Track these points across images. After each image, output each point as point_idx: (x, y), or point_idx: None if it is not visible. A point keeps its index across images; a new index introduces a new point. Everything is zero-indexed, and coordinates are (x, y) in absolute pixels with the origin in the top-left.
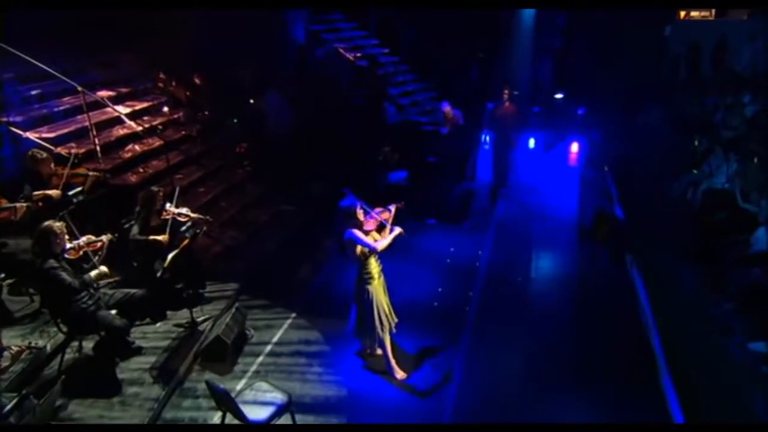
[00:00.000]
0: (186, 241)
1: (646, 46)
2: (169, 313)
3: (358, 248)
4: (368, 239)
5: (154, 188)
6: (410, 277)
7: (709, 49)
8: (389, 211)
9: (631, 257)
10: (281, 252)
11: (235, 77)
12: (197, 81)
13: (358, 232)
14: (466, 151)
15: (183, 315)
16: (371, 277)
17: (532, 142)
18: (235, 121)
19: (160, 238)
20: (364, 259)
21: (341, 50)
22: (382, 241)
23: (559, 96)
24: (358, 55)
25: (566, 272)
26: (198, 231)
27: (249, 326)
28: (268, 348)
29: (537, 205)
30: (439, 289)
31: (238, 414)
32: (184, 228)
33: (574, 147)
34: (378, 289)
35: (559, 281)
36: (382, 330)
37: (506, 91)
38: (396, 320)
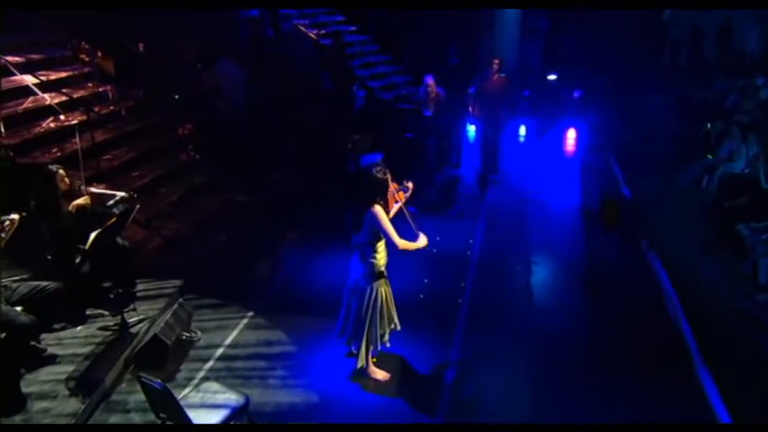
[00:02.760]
0: (113, 219)
1: (643, 30)
2: (92, 315)
3: (389, 228)
4: (393, 230)
5: (52, 166)
6: (390, 268)
7: (712, 32)
8: (405, 191)
9: (646, 241)
10: (234, 246)
11: (177, 50)
12: (132, 51)
13: (382, 214)
14: (449, 130)
15: (111, 317)
16: (378, 272)
17: (523, 130)
18: (177, 97)
19: (80, 201)
20: (375, 248)
21: (302, 27)
22: (406, 242)
23: (551, 77)
24: (322, 32)
25: (573, 258)
26: (130, 207)
27: (196, 328)
28: (220, 351)
29: (532, 191)
30: (426, 281)
31: (182, 418)
32: (111, 202)
33: (572, 132)
34: (384, 288)
35: (566, 268)
36: (371, 335)
37: (496, 62)
38: (397, 327)
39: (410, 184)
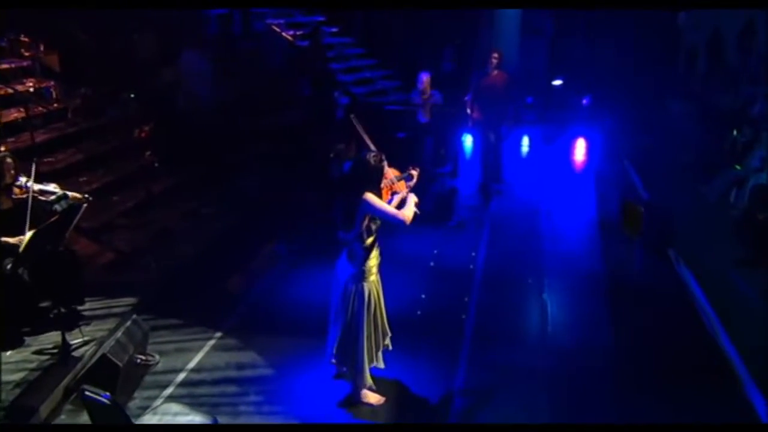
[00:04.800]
0: (55, 218)
1: (656, 33)
2: (27, 336)
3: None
4: (392, 209)
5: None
6: (385, 285)
7: (732, 36)
8: (409, 179)
9: (673, 251)
10: (199, 261)
11: (132, 44)
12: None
13: (375, 199)
14: (445, 133)
15: (50, 339)
16: (368, 271)
17: (526, 140)
18: (132, 96)
19: (12, 241)
20: (364, 244)
21: (276, 27)
22: (405, 210)
23: (557, 82)
24: (299, 33)
25: (592, 269)
26: (75, 205)
27: (152, 351)
28: (182, 376)
29: (542, 201)
30: (423, 296)
31: None
32: (52, 198)
33: (581, 141)
34: (375, 289)
35: (584, 279)
36: (366, 346)
37: (495, 55)
38: (389, 335)
39: (415, 172)
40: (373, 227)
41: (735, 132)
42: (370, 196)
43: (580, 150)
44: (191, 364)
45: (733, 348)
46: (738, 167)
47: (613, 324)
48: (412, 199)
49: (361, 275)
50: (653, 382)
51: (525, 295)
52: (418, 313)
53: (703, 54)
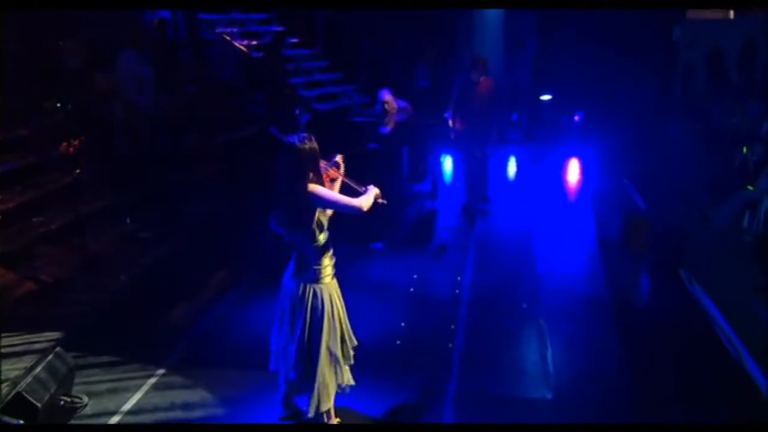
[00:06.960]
0: None
1: (650, 50)
2: None
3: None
4: (344, 197)
5: None
6: (357, 312)
7: (734, 52)
8: (337, 166)
9: (686, 272)
10: (136, 291)
11: (59, 51)
12: None
13: (323, 190)
14: (422, 141)
15: None
16: (323, 271)
17: (513, 161)
18: (59, 105)
19: None
20: (316, 242)
21: (227, 36)
22: (363, 197)
23: (546, 98)
24: (254, 44)
25: (594, 292)
26: None
27: (80, 392)
28: (115, 419)
29: (532, 221)
30: (402, 324)
31: None
32: None
33: (574, 160)
34: (333, 294)
35: (586, 302)
36: (326, 360)
37: (481, 61)
38: (355, 344)
39: (339, 158)
40: (324, 221)
41: (745, 150)
42: (317, 188)
43: (573, 169)
44: (127, 406)
45: (762, 375)
46: (750, 188)
47: (624, 350)
48: (373, 191)
49: (316, 277)
50: (676, 414)
51: (520, 321)
52: (398, 342)
53: (701, 71)
